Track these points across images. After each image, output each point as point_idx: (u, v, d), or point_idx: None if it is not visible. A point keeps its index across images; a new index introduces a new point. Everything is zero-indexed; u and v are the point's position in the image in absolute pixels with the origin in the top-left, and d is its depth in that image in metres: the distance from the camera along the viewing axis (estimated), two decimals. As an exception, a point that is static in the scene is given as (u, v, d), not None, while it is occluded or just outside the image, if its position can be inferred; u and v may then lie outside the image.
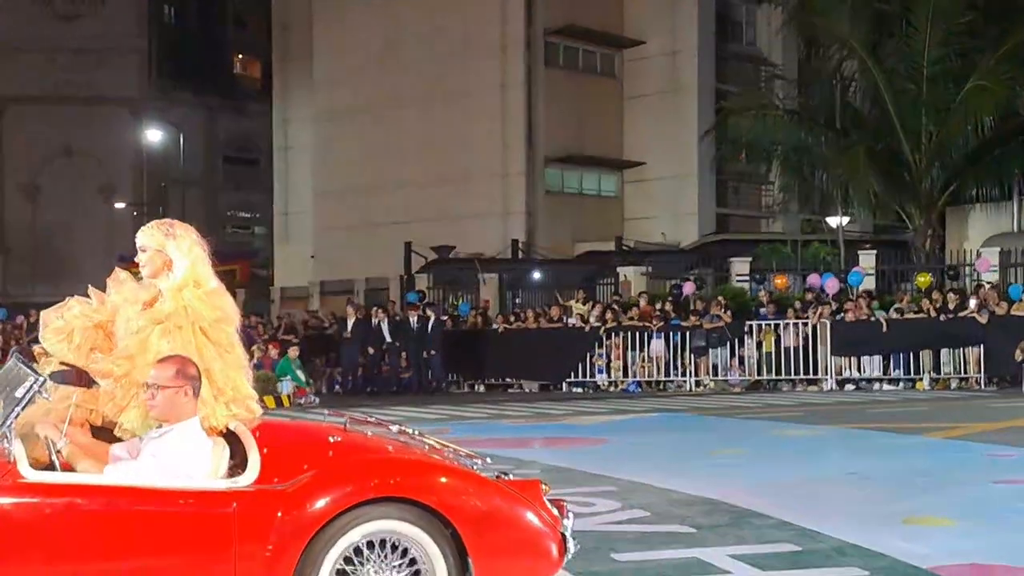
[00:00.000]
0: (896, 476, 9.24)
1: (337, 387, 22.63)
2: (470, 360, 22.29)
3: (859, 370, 20.45)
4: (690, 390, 20.58)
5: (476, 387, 22.22)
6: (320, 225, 42.98)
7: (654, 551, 6.35)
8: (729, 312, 21.16)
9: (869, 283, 23.03)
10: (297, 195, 46.55)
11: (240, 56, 62.98)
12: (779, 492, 8.22)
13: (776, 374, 20.57)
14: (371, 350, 22.27)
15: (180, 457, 4.36)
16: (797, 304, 21.31)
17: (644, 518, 7.35)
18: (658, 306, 22.05)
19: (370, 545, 4.36)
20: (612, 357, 21.33)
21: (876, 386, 20.04)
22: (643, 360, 21.16)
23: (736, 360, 20.89)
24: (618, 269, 27.31)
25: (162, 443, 4.40)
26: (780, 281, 23.62)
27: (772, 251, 28.44)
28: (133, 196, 50.65)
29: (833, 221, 29.13)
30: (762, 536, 6.68)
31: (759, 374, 20.73)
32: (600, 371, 21.39)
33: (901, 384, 19.97)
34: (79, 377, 4.64)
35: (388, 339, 22.38)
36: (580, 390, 21.17)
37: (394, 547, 4.39)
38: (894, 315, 20.43)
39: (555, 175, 40.43)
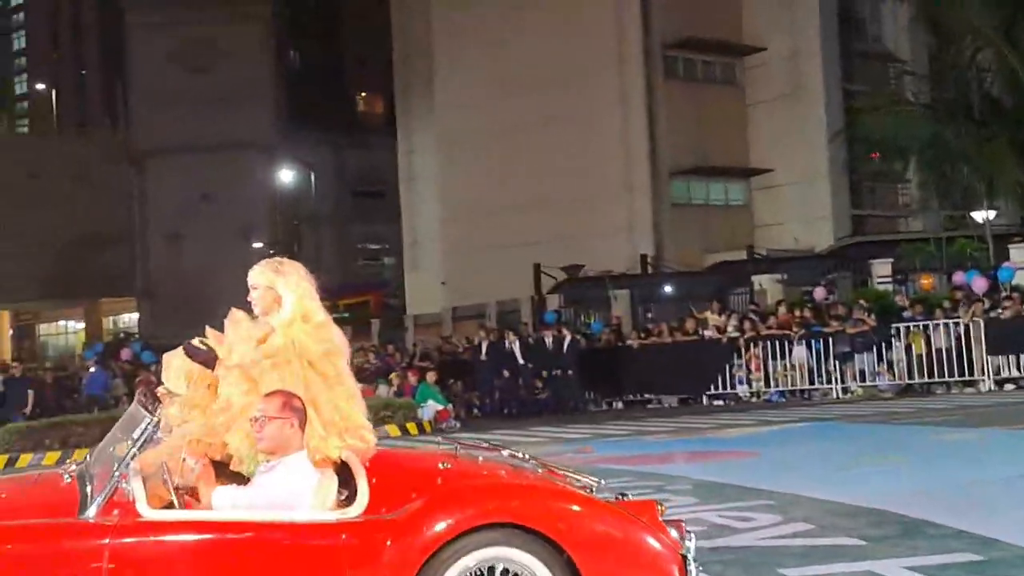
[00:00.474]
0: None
1: (475, 410, 22.60)
2: (606, 377, 22.07)
3: (1019, 369, 19.45)
4: (837, 398, 19.94)
5: (614, 404, 21.97)
6: (448, 251, 43.40)
7: (823, 565, 6.10)
8: (872, 315, 20.42)
9: (1022, 278, 21.95)
10: (424, 223, 47.13)
11: (363, 93, 64.48)
12: (948, 499, 7.89)
13: (928, 377, 19.75)
14: (506, 372, 22.19)
15: (287, 490, 4.40)
16: (945, 303, 20.42)
17: (808, 531, 7.08)
18: (797, 313, 21.43)
19: (481, 573, 4.29)
20: (752, 367, 20.83)
21: (1040, 384, 19.06)
22: (785, 369, 20.60)
23: (884, 364, 20.12)
24: (752, 278, 26.84)
25: (269, 477, 4.45)
26: (926, 281, 22.70)
27: (916, 250, 27.48)
28: (269, 236, 52.05)
29: (978, 216, 27.99)
30: (937, 546, 6.36)
31: (910, 378, 19.93)
32: (741, 382, 20.91)
33: (1066, 381, 18.93)
34: (213, 360, 4.73)
35: (521, 361, 22.25)
36: (721, 402, 20.74)
37: (506, 574, 4.30)
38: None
39: (681, 187, 40.08)
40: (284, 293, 4.80)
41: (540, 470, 4.96)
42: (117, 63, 57.48)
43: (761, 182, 40.63)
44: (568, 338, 22.16)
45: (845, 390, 20.20)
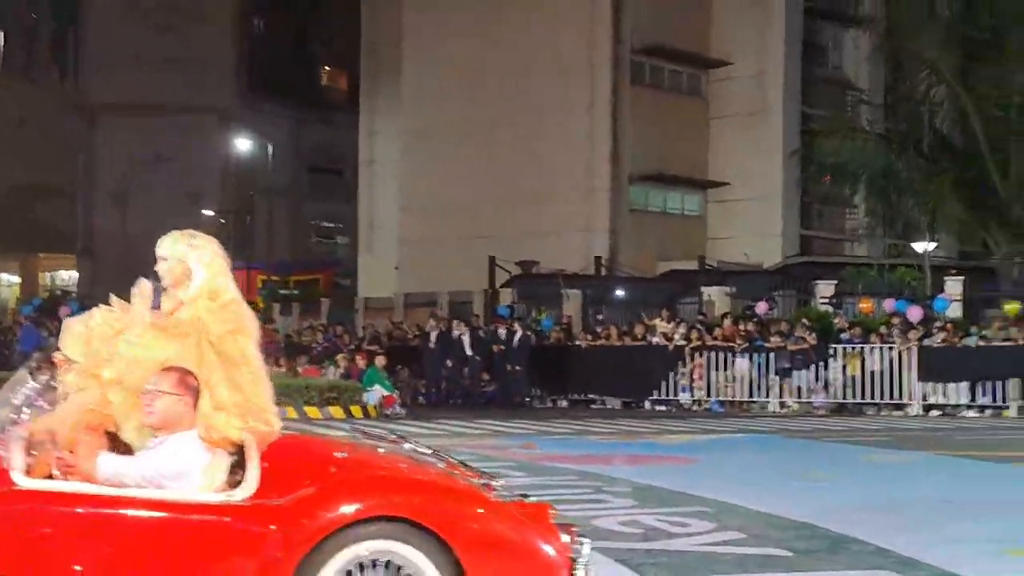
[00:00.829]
0: (991, 505, 9.13)
1: (421, 399, 22.73)
2: (553, 375, 22.33)
3: (946, 396, 20.15)
4: (774, 412, 20.45)
5: (559, 402, 22.25)
6: (405, 237, 43.33)
7: (753, 574, 6.34)
8: (814, 334, 20.98)
9: (955, 309, 22.71)
10: (382, 207, 46.99)
11: (328, 68, 63.78)
12: (874, 518, 8.15)
13: (861, 398, 20.37)
14: (450, 362, 22.35)
15: (174, 467, 4.29)
16: (882, 328, 21.08)
17: (740, 540, 7.32)
18: (742, 326, 21.92)
19: (367, 565, 4.22)
20: (695, 376, 21.27)
21: (962, 412, 19.74)
22: (727, 380, 21.07)
23: (820, 383, 20.70)
24: (702, 289, 27.24)
25: (157, 453, 4.34)
26: (866, 305, 23.35)
27: (858, 275, 28.16)
28: (220, 204, 51.55)
29: (919, 246, 28.76)
30: (860, 562, 6.61)
31: (844, 397, 20.54)
32: (683, 390, 21.33)
33: (987, 411, 19.64)
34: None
35: (470, 352, 22.43)
36: (663, 408, 21.12)
37: (393, 568, 4.24)
38: (981, 342, 20.13)
39: (639, 193, 40.42)
40: (195, 267, 4.66)
41: (441, 465, 4.89)
42: (71, 12, 56.03)
43: (717, 195, 41.05)
44: (519, 333, 22.47)
45: (782, 405, 20.73)
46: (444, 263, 37.49)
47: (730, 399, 21.08)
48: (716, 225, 40.93)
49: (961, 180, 26.32)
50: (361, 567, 4.22)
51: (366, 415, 18.84)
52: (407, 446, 5.15)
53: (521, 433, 15.89)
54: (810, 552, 6.93)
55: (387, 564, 4.23)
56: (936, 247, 29.56)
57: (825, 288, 25.23)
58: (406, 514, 4.22)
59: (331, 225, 60.87)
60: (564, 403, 22.13)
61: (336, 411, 18.52)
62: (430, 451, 5.13)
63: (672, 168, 39.66)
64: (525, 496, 4.70)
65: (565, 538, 4.38)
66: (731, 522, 7.92)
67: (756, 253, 37.97)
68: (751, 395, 20.96)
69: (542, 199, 38.04)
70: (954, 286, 23.99)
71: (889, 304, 22.53)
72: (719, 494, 9.18)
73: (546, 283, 30.66)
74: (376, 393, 19.87)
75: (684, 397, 21.30)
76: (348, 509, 4.19)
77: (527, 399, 22.08)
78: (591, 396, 22.19)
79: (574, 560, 4.33)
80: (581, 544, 4.40)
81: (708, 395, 21.17)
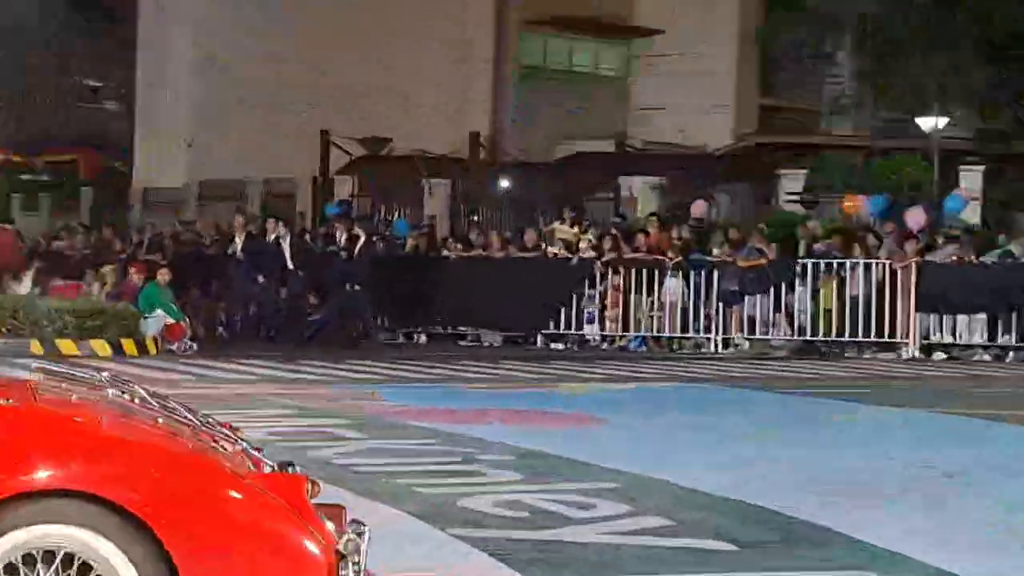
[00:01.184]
0: (1008, 482, 9.37)
1: (221, 328, 22.78)
2: (409, 299, 22.53)
3: (953, 333, 20.65)
4: (715, 351, 20.88)
5: (416, 337, 22.49)
6: (201, 103, 42.69)
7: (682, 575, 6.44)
8: (774, 246, 21.28)
9: (973, 213, 23.15)
10: (170, 62, 46.16)
11: None
12: (846, 499, 8.39)
13: (837, 335, 20.78)
14: (263, 278, 22.34)
15: None
16: (870, 238, 21.39)
17: (663, 528, 7.50)
18: (675, 233, 22.16)
19: (36, 558, 4.17)
20: (609, 302, 21.51)
21: (976, 355, 20.24)
22: (652, 308, 21.39)
23: (782, 313, 21.01)
24: (620, 180, 27.40)
25: None
26: (850, 204, 23.74)
27: (840, 163, 28.54)
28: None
29: (925, 124, 29.18)
30: (828, 559, 6.79)
31: (813, 334, 20.94)
32: (591, 320, 21.64)
33: (1011, 354, 20.15)
34: None
35: (291, 264, 22.50)
36: (562, 346, 21.48)
37: (74, 563, 4.17)
38: (1006, 259, 20.59)
39: (534, 45, 40.42)
40: None
41: (161, 420, 4.80)
42: None
43: (645, 48, 41.27)
44: (361, 239, 22.42)
45: (727, 342, 21.15)
46: (257, 141, 37.15)
47: (656, 334, 21.43)
48: (643, 92, 41.25)
49: (984, 33, 26.73)
50: (25, 561, 4.15)
51: (142, 351, 19.12)
52: (112, 392, 5.00)
53: (361, 379, 16.19)
54: (759, 545, 7.12)
55: (58, 554, 4.15)
56: (950, 124, 29.97)
57: (791, 181, 25.49)
58: (91, 489, 4.14)
59: (98, 85, 59.75)
60: (424, 338, 22.44)
61: (100, 345, 18.75)
62: (152, 399, 5.03)
63: (581, 9, 39.58)
64: (292, 467, 4.68)
65: (330, 526, 4.34)
66: (652, 503, 8.17)
67: (698, 130, 38.27)
68: (685, 329, 21.34)
69: (398, 54, 37.78)
70: (972, 179, 24.42)
71: (858, 200, 22.88)
72: (636, 465, 9.44)
73: (402, 170, 30.53)
74: (157, 320, 20.13)
75: (591, 330, 21.60)
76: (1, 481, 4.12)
77: (371, 331, 22.12)
78: (461, 329, 22.54)
79: (342, 556, 4.29)
80: (356, 533, 4.40)
81: (625, 329, 21.43)
